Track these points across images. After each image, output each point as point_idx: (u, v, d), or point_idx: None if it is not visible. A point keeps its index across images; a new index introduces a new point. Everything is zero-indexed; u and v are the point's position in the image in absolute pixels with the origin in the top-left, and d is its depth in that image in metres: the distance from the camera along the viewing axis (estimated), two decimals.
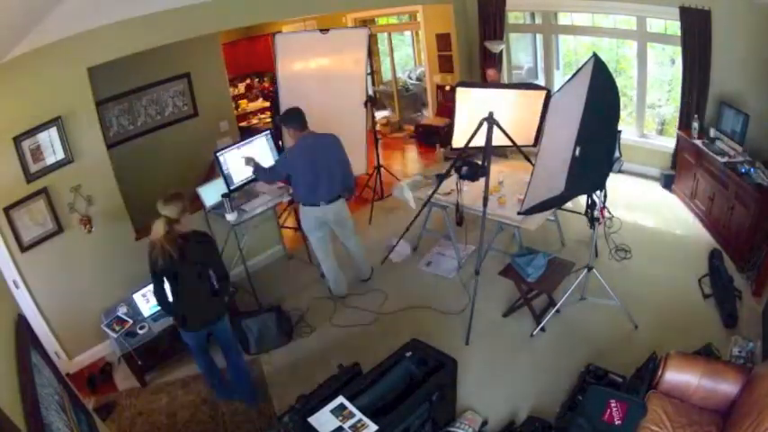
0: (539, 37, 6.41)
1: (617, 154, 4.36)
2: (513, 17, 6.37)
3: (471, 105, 3.87)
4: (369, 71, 5.15)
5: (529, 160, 3.96)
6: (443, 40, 6.72)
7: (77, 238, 3.47)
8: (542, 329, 3.51)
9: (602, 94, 2.82)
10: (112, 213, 3.64)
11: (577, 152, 2.88)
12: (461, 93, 3.95)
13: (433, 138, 7.04)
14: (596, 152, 2.99)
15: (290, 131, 3.62)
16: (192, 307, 2.85)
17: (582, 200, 4.70)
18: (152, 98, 4.60)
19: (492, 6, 5.99)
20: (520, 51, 6.62)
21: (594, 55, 2.76)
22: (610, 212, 4.44)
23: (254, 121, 7.87)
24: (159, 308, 3.00)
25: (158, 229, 2.66)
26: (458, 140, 3.99)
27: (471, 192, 3.94)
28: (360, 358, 2.88)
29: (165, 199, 2.71)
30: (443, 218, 4.34)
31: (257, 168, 3.75)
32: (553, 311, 3.52)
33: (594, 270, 3.49)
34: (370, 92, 4.72)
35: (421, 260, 4.55)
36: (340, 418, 2.31)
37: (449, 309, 3.87)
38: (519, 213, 3.36)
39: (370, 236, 4.94)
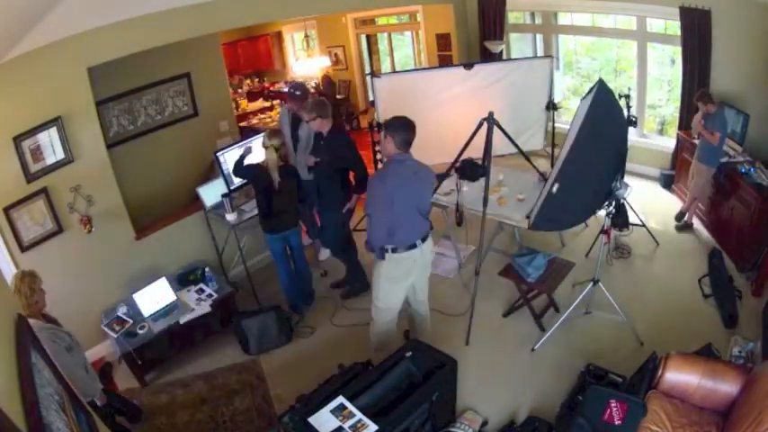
0: (539, 37, 6.42)
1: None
2: (513, 17, 6.38)
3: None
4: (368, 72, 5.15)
5: (528, 159, 3.96)
6: (443, 40, 6.71)
7: (77, 238, 3.47)
8: (542, 329, 3.51)
9: (603, 120, 2.78)
10: (112, 213, 3.63)
11: (555, 189, 2.79)
12: None
13: None
14: (592, 180, 2.93)
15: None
16: (280, 216, 3.60)
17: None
18: (152, 98, 4.59)
19: (492, 6, 5.98)
20: (520, 51, 6.62)
21: (600, 81, 2.78)
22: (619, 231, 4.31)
23: (254, 121, 7.87)
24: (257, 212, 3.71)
25: (272, 155, 3.42)
26: None
27: (471, 192, 3.94)
28: (360, 358, 2.88)
29: (270, 133, 3.50)
30: (443, 218, 4.34)
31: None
32: (558, 324, 3.42)
33: (600, 284, 3.37)
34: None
35: None
36: (340, 418, 2.31)
37: (449, 309, 3.87)
38: (528, 228, 3.33)
39: None
